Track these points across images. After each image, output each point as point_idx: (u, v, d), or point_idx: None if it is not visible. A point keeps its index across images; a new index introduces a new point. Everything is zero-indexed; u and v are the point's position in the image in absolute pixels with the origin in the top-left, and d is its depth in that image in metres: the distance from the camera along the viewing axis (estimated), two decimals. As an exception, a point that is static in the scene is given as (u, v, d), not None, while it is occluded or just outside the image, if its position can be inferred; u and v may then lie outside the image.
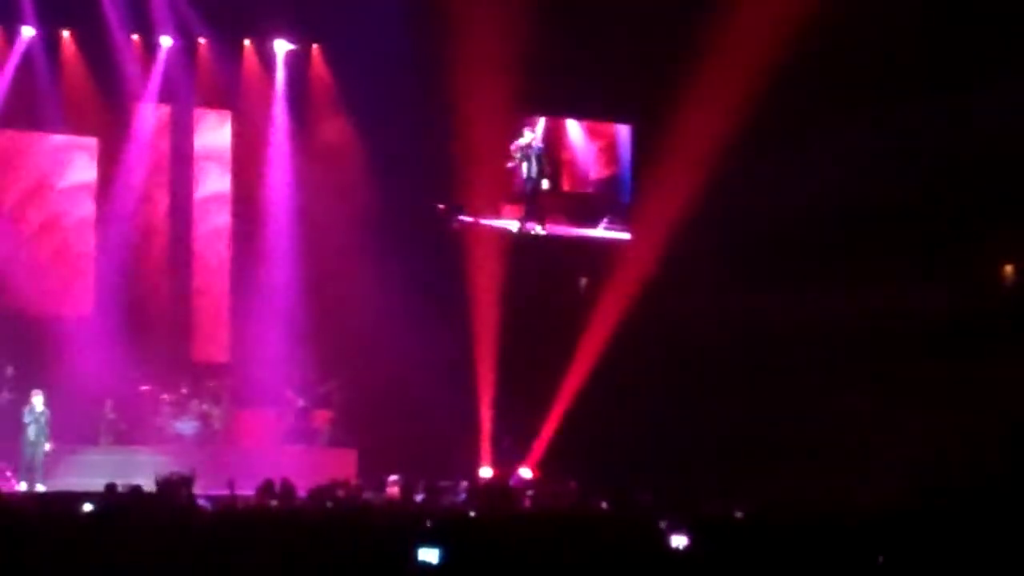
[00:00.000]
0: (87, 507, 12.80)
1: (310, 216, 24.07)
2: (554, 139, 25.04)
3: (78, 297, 23.72)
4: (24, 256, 23.07)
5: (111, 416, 22.19)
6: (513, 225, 24.18)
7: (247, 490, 16.50)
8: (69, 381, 20.89)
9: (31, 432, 20.57)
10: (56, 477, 20.51)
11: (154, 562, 7.34)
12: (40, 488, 19.98)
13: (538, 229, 24.26)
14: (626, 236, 24.67)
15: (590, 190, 25.75)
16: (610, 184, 25.52)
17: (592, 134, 25.55)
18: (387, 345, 22.30)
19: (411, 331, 22.45)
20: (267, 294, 24.00)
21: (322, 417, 23.54)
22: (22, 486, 20.19)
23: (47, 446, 20.64)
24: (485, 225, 23.92)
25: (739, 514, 13.25)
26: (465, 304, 23.31)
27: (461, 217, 23.82)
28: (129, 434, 22.44)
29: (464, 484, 20.08)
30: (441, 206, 23.89)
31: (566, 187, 25.46)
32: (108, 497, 14.62)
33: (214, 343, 24.72)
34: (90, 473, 19.44)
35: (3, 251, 22.72)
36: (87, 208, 23.94)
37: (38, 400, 20.69)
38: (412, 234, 23.31)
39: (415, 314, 22.51)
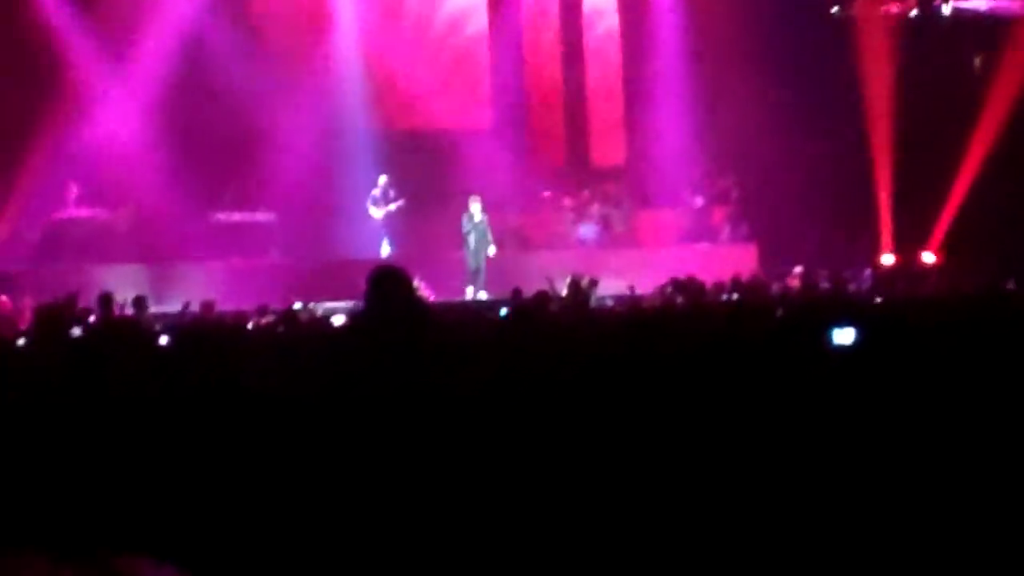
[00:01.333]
0: (502, 311, 13.36)
1: (696, 10, 23.89)
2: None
3: (477, 111, 24.36)
4: (424, 72, 23.69)
5: (514, 224, 22.75)
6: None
7: (648, 289, 16.85)
8: (472, 191, 21.37)
9: (471, 240, 20.81)
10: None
11: (564, 361, 7.52)
12: (482, 296, 20.40)
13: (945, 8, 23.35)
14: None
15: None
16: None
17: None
18: (781, 138, 22.08)
19: (804, 122, 22.17)
20: (660, 93, 24.06)
21: (720, 214, 23.59)
22: (468, 292, 20.68)
23: (491, 251, 20.90)
24: (874, 8, 23.23)
25: None
26: (857, 91, 22.80)
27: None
28: (533, 240, 23.07)
29: (868, 272, 19.90)
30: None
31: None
32: (515, 301, 15.21)
33: (612, 146, 25.04)
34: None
35: (408, 69, 23.36)
36: (481, 20, 24.43)
37: (476, 208, 20.86)
38: (800, 24, 22.82)
39: (808, 105, 22.18)
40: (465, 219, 20.90)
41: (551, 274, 17.95)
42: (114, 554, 2.72)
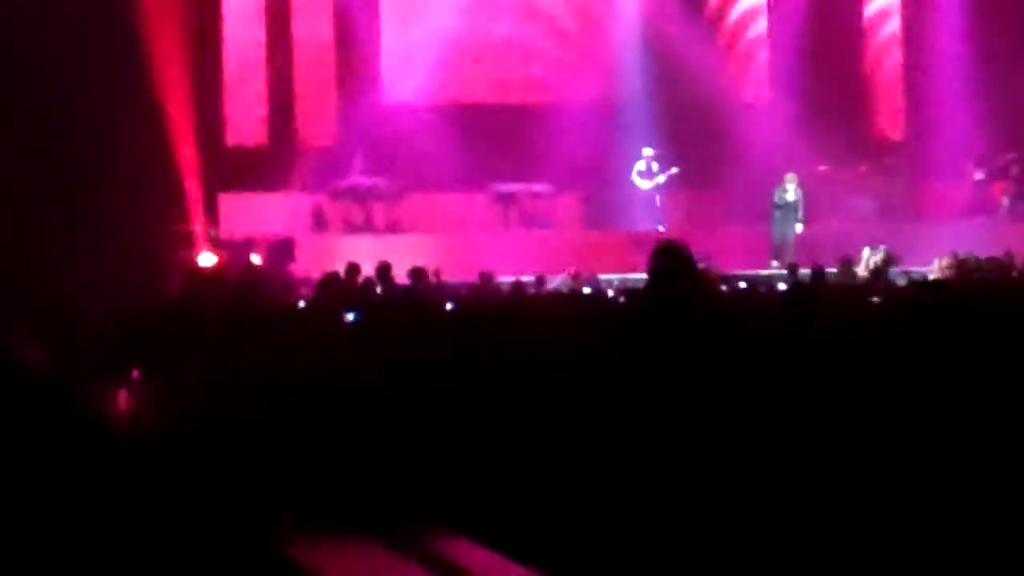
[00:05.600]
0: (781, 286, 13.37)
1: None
2: None
3: (755, 82, 24.30)
4: (700, 43, 23.73)
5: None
6: None
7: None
8: (746, 165, 21.34)
9: (778, 214, 21.10)
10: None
11: (844, 338, 7.50)
12: (774, 266, 20.47)
13: None
14: None
15: None
16: None
17: None
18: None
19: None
20: (940, 67, 23.58)
21: (1000, 189, 23.02)
22: (773, 265, 20.74)
23: (798, 227, 21.11)
24: None
25: None
26: None
27: None
28: (808, 213, 22.88)
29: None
30: None
31: None
32: (792, 278, 15.22)
33: (891, 120, 24.69)
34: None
35: (686, 41, 23.43)
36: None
37: (791, 185, 21.17)
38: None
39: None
40: (777, 193, 21.16)
41: (825, 247, 17.91)
42: (420, 528, 2.83)
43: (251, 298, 11.67)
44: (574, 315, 9.86)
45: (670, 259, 6.15)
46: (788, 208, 21.05)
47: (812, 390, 5.86)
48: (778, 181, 21.44)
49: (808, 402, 5.65)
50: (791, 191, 21.11)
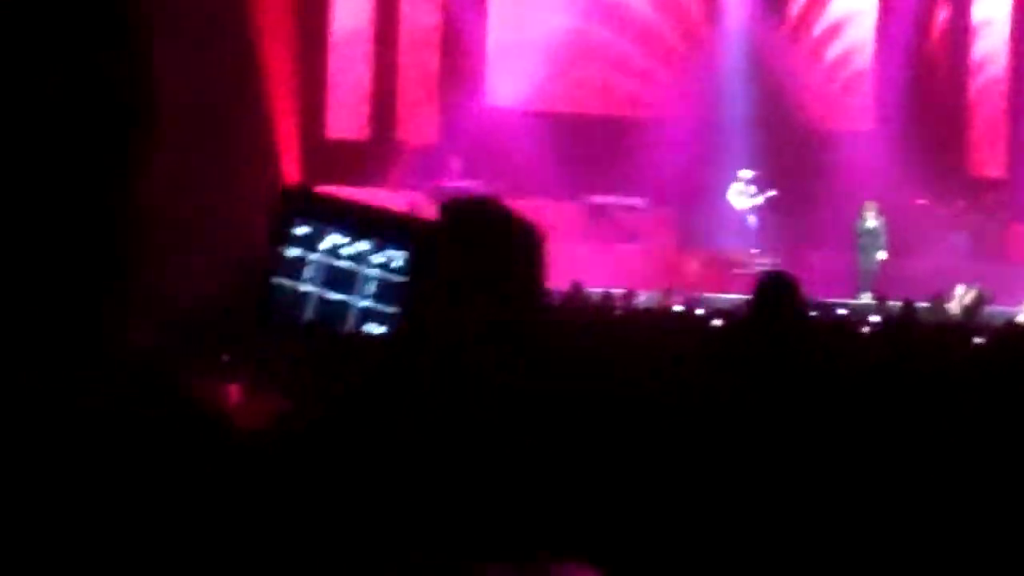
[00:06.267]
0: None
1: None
2: None
3: (857, 112, 24.24)
4: (804, 70, 23.76)
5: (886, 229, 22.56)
6: None
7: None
8: (842, 193, 21.30)
9: (861, 244, 21.34)
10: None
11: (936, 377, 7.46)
12: (865, 298, 20.46)
13: None
14: None
15: None
16: None
17: None
18: None
19: None
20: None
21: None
22: (863, 297, 20.77)
23: (881, 255, 21.26)
24: None
25: None
26: None
27: None
28: (902, 246, 22.79)
29: None
30: None
31: None
32: (880, 311, 15.19)
33: (992, 157, 24.55)
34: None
35: (790, 65, 23.47)
36: (868, 22, 24.30)
37: (869, 214, 21.32)
38: None
39: None
40: (858, 223, 21.28)
41: (915, 281, 17.88)
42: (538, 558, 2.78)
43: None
44: (666, 333, 9.88)
45: (778, 290, 6.20)
46: (869, 236, 21.05)
47: (909, 429, 5.87)
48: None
49: (906, 441, 5.68)
50: (869, 219, 21.22)
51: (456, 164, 21.74)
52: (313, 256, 2.39)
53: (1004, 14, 24.37)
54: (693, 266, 20.32)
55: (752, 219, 21.81)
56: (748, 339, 6.37)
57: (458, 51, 22.99)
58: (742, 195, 21.83)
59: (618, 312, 13.62)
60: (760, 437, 5.60)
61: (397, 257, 2.45)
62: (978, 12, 24.37)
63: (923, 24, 24.21)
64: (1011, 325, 13.14)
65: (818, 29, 24.27)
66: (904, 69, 23.89)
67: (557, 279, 17.64)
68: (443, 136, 22.12)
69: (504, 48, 23.17)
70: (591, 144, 22.18)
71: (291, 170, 21.24)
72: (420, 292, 2.48)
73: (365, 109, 22.89)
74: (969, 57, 24.43)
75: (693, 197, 22.18)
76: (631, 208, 22.08)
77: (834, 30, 24.32)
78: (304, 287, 2.39)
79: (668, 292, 17.41)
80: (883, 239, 21.24)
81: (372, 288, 2.43)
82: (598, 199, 22.02)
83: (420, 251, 2.49)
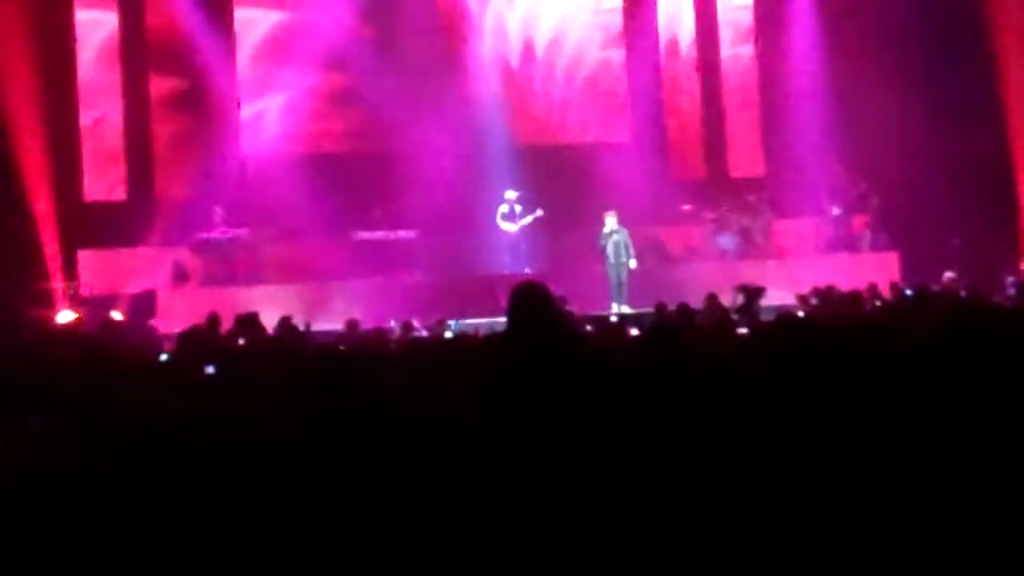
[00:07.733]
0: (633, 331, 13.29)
1: (831, 17, 23.85)
2: None
3: (615, 125, 24.51)
4: (561, 87, 23.98)
5: (653, 237, 22.77)
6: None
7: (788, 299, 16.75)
8: (610, 206, 21.40)
9: (609, 254, 20.93)
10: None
11: (713, 373, 7.41)
12: (624, 309, 20.36)
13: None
14: None
15: None
16: None
17: None
18: (918, 143, 21.88)
19: (941, 126, 21.93)
20: (797, 103, 23.99)
21: (860, 222, 23.36)
22: (614, 307, 20.66)
23: (632, 264, 21.00)
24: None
25: None
26: (996, 97, 22.52)
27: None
28: (672, 253, 23.10)
29: (1011, 280, 19.54)
30: None
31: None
32: (659, 316, 15.23)
33: (750, 158, 25.05)
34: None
35: (544, 84, 23.63)
36: (616, 34, 24.65)
37: (611, 222, 20.95)
38: (935, 25, 22.63)
39: (944, 110, 21.97)
40: (601, 234, 21.06)
41: (690, 286, 17.98)
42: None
43: (108, 353, 11.32)
44: (438, 358, 9.70)
45: (527, 298, 6.08)
46: (614, 246, 20.91)
47: (686, 425, 5.78)
48: (638, 220, 21.67)
49: (686, 438, 5.57)
50: (611, 228, 20.95)
51: (218, 215, 21.32)
52: None
53: (749, 15, 24.97)
54: (468, 292, 20.13)
55: (521, 240, 21.78)
56: (510, 348, 6.23)
57: (210, 103, 22.59)
58: (508, 219, 21.79)
59: (392, 346, 13.31)
60: (532, 442, 5.46)
61: None
62: (723, 14, 24.94)
63: (671, 30, 24.68)
64: (785, 316, 13.22)
65: (569, 43, 24.50)
66: (657, 77, 24.39)
67: (333, 318, 17.39)
68: (202, 189, 21.63)
69: (256, 99, 22.88)
70: (355, 182, 22.01)
71: (49, 236, 20.68)
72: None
73: (120, 170, 22.38)
74: (719, 59, 24.96)
75: (463, 224, 22.09)
76: (401, 241, 21.87)
77: (586, 44, 24.60)
78: None
79: (442, 321, 17.21)
80: (630, 248, 21.05)
81: None
82: (367, 235, 21.77)
83: None
